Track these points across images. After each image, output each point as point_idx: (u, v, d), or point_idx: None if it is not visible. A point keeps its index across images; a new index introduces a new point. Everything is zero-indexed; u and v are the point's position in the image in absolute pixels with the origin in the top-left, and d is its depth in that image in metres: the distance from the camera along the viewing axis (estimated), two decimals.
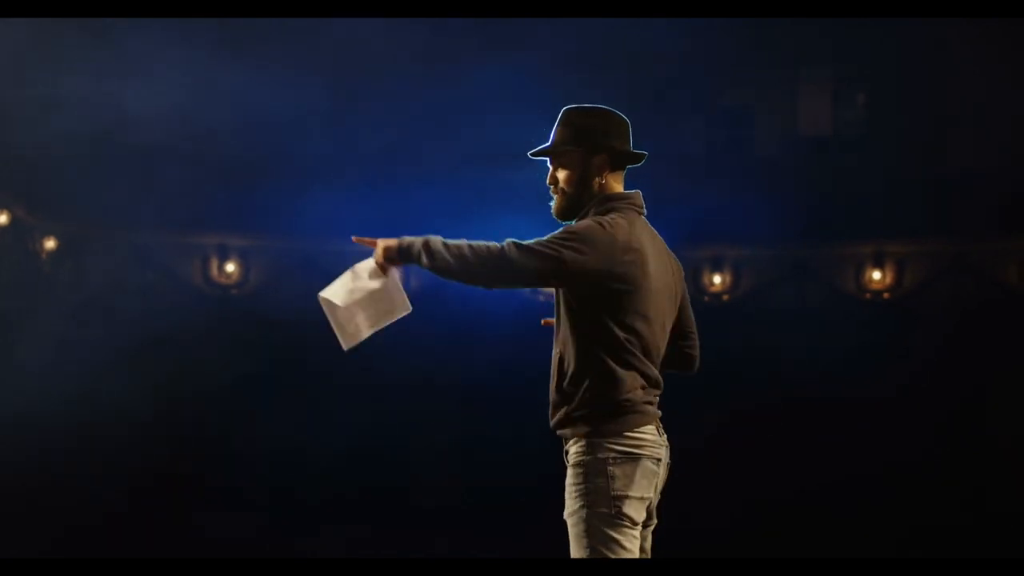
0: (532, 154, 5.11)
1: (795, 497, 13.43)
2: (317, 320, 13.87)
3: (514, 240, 4.72)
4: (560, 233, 4.76)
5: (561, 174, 4.98)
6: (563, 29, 12.21)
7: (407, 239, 4.86)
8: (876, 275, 14.01)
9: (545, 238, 4.76)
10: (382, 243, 4.94)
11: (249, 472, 13.49)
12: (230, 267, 13.88)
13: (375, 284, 5.02)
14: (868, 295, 14.08)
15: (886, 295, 14.05)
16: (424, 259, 4.80)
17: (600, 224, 4.78)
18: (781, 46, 13.47)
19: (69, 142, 11.84)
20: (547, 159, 5.04)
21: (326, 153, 13.26)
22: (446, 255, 4.76)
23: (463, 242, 4.76)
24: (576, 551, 4.76)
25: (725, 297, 14.02)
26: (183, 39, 11.93)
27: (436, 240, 4.80)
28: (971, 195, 13.37)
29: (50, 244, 13.35)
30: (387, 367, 13.43)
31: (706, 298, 13.86)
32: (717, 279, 13.92)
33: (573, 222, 4.93)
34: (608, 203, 4.91)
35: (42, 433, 12.44)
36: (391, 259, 4.92)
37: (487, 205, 12.78)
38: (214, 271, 13.88)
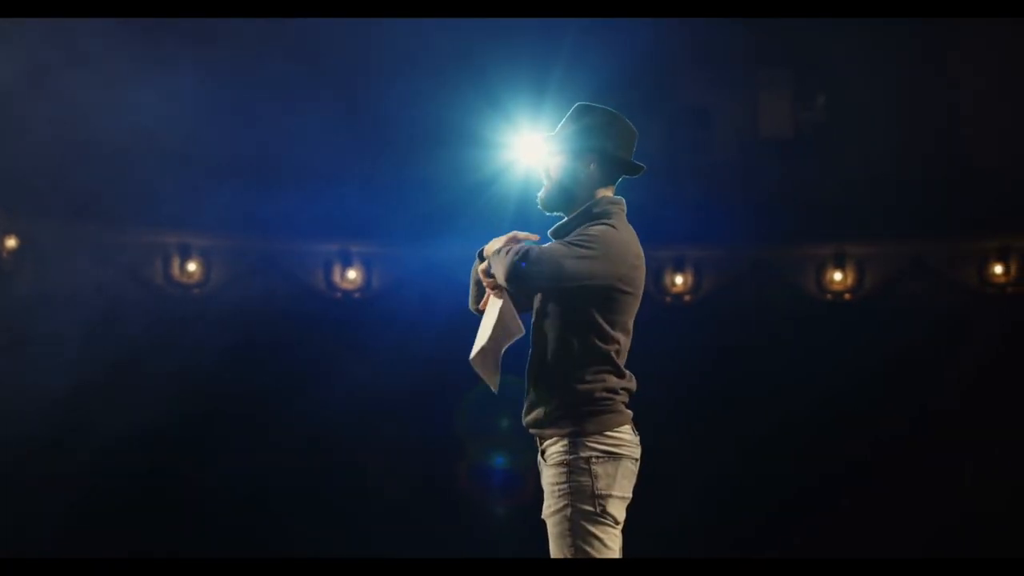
0: (527, 168, 5.21)
1: (761, 497, 13.49)
2: (280, 320, 13.79)
3: (536, 246, 4.81)
4: (577, 239, 4.79)
5: (553, 163, 5.02)
6: (524, 29, 12.22)
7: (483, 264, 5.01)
8: (837, 276, 14.05)
9: (565, 243, 4.82)
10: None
11: (216, 474, 13.43)
12: (192, 266, 13.83)
13: (492, 318, 5.02)
14: (829, 296, 14.12)
15: (847, 296, 14.09)
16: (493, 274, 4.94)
17: (615, 228, 4.82)
18: (741, 47, 13.51)
19: (31, 140, 11.79)
20: (546, 146, 5.08)
21: (289, 152, 13.23)
22: (499, 267, 4.86)
23: (514, 249, 4.84)
24: (558, 550, 4.78)
25: (687, 298, 14.04)
26: (145, 37, 11.89)
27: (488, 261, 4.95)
28: (932, 196, 13.43)
29: (11, 243, 13.28)
30: (357, 366, 13.42)
31: (668, 299, 13.89)
32: (679, 279, 13.94)
33: (563, 216, 5.01)
34: (603, 206, 4.95)
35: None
36: (493, 284, 5.01)
37: (450, 204, 12.79)
38: (175, 270, 13.82)
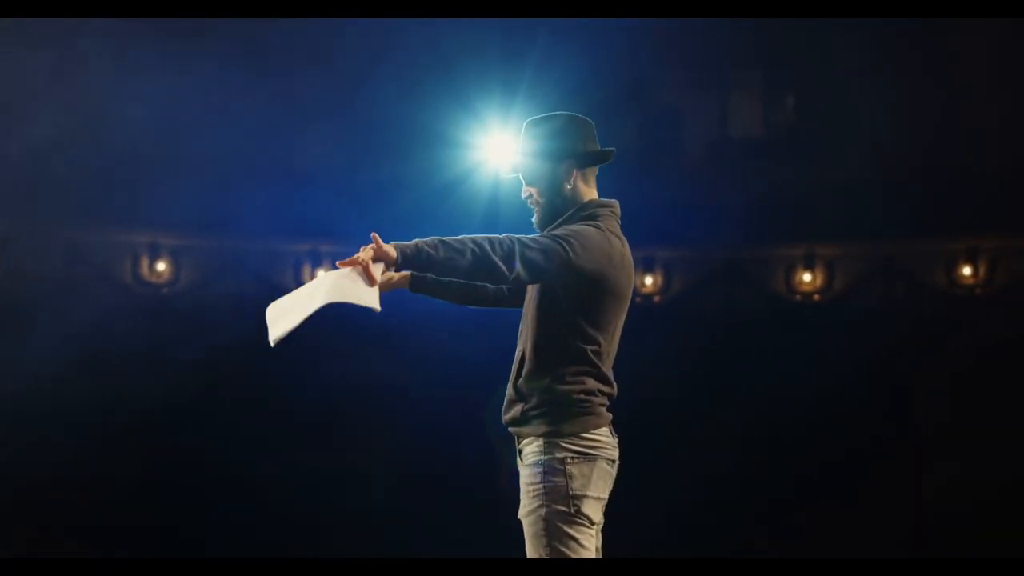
0: (505, 174, 5.18)
1: (740, 498, 13.51)
2: (250, 320, 13.81)
3: (519, 236, 4.70)
4: (561, 231, 4.79)
5: (533, 188, 5.03)
6: (495, 29, 12.23)
7: (406, 245, 4.67)
8: (807, 277, 14.07)
9: (546, 234, 4.79)
10: (376, 250, 4.70)
11: (185, 474, 13.38)
12: (161, 266, 13.78)
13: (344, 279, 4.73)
14: (799, 297, 14.14)
15: (816, 297, 14.11)
16: (431, 263, 4.63)
17: (598, 228, 4.83)
18: (712, 48, 13.52)
19: None
20: (519, 175, 5.10)
21: (260, 152, 13.20)
22: (456, 255, 4.62)
23: (466, 239, 4.64)
24: (533, 550, 4.82)
25: (657, 298, 14.06)
26: (112, 36, 11.86)
27: (438, 241, 4.65)
28: (901, 197, 13.48)
29: None
30: (328, 365, 13.39)
31: (638, 299, 13.89)
32: (649, 280, 13.95)
33: (553, 228, 5.00)
34: (591, 209, 4.97)
35: None
36: (392, 263, 4.69)
37: (420, 204, 12.79)
38: (144, 269, 13.78)
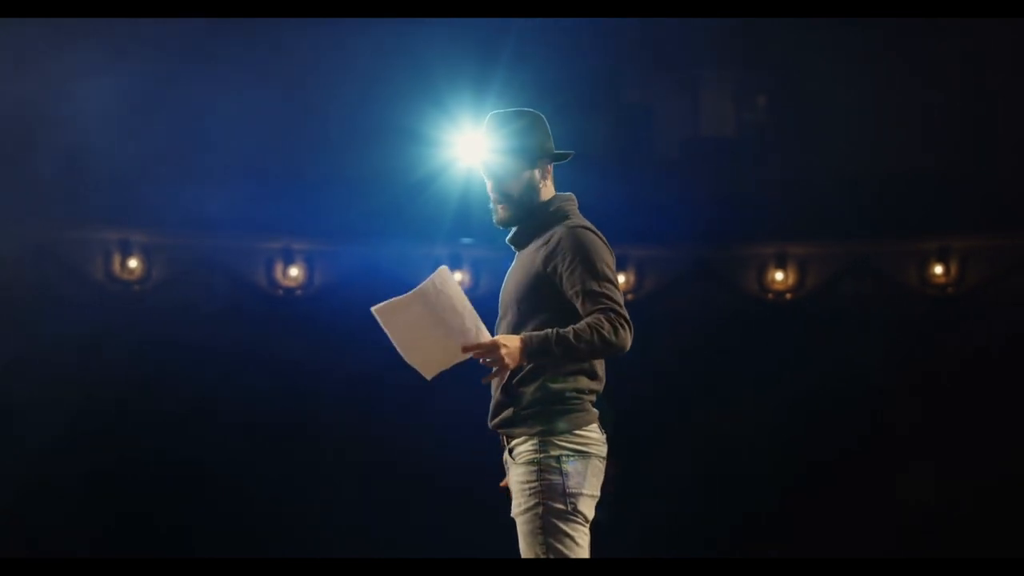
0: (468, 166, 5.21)
1: (709, 499, 13.53)
2: (222, 317, 13.68)
3: (600, 312, 4.76)
4: (589, 267, 4.79)
5: (497, 183, 5.02)
6: (467, 27, 12.23)
7: (533, 343, 4.73)
8: (779, 276, 14.08)
9: (597, 283, 4.80)
10: (505, 352, 4.71)
11: (159, 471, 13.34)
12: (133, 263, 13.74)
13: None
14: (771, 296, 14.16)
15: (788, 296, 14.14)
16: (554, 356, 4.73)
17: (591, 231, 4.87)
18: (683, 47, 13.54)
19: None
20: (482, 169, 5.09)
21: (231, 149, 13.18)
22: (575, 350, 4.73)
23: (584, 336, 4.73)
24: (528, 548, 4.80)
25: (629, 296, 14.06)
26: (85, 33, 11.84)
27: (553, 337, 4.72)
28: (873, 197, 13.51)
29: None
30: (301, 363, 13.36)
31: None
32: (621, 279, 13.90)
33: (521, 227, 5.04)
34: (557, 203, 5.02)
35: None
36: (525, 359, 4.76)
37: (392, 201, 12.79)
38: (116, 267, 13.74)
